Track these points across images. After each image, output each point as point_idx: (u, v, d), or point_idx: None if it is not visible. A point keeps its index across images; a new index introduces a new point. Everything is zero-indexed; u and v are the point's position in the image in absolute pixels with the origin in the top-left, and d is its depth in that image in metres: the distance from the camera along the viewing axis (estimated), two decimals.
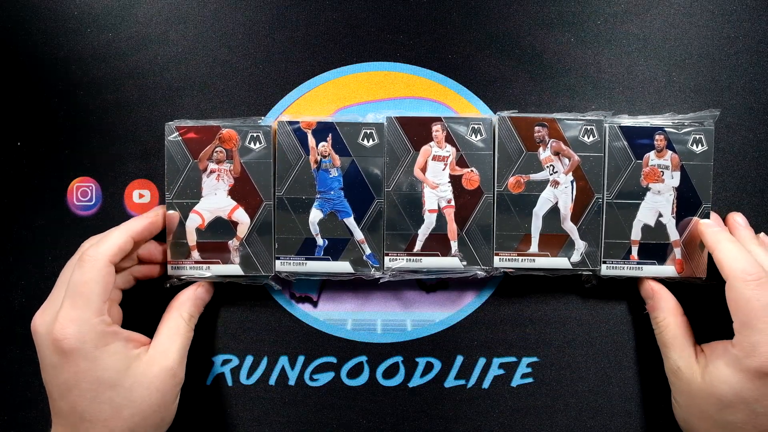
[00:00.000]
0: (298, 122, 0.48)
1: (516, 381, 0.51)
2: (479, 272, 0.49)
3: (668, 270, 0.48)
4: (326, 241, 0.49)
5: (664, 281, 0.49)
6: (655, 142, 0.48)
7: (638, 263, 0.48)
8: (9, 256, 0.51)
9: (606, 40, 0.50)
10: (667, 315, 0.47)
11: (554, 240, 0.49)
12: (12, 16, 0.50)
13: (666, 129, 0.48)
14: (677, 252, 0.48)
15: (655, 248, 0.48)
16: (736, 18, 0.50)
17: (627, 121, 0.49)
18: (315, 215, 0.49)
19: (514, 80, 0.50)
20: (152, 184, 0.51)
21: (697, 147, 0.48)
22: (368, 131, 0.48)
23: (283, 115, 0.50)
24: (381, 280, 0.49)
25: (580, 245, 0.49)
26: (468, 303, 0.51)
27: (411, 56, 0.51)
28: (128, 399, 0.41)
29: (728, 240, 0.45)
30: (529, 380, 0.51)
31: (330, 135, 0.48)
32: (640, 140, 0.48)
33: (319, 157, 0.48)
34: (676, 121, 0.48)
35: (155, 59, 0.50)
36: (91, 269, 0.41)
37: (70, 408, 0.41)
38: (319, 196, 0.49)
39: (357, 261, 0.49)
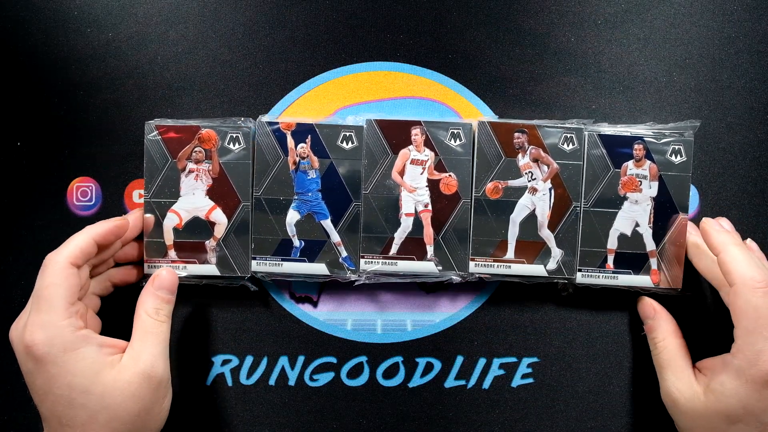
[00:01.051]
0: (277, 123, 0.48)
1: (516, 381, 0.51)
2: (454, 277, 0.49)
3: (644, 280, 0.48)
4: (303, 243, 0.49)
5: (640, 293, 0.48)
6: (634, 152, 0.48)
7: (614, 272, 0.48)
8: (9, 256, 0.51)
9: (606, 40, 0.50)
10: (667, 336, 0.46)
11: (531, 247, 0.48)
12: (12, 16, 0.50)
13: (645, 138, 0.48)
14: (653, 262, 0.48)
15: (631, 258, 0.48)
16: (736, 18, 0.50)
17: (607, 129, 0.48)
18: (292, 216, 0.49)
19: (514, 80, 0.50)
20: None
21: (675, 158, 0.48)
22: (347, 134, 0.48)
23: (263, 115, 0.49)
24: (356, 283, 0.49)
25: (557, 253, 0.48)
26: (468, 303, 0.51)
27: (411, 56, 0.51)
28: (102, 405, 0.40)
29: (735, 244, 0.43)
30: (530, 380, 0.51)
31: (309, 137, 0.48)
32: (619, 149, 0.48)
33: (297, 159, 0.48)
34: (656, 131, 0.48)
35: (155, 59, 0.50)
36: (52, 273, 0.41)
37: (50, 412, 0.40)
38: (296, 198, 0.48)
39: (333, 263, 0.49)
